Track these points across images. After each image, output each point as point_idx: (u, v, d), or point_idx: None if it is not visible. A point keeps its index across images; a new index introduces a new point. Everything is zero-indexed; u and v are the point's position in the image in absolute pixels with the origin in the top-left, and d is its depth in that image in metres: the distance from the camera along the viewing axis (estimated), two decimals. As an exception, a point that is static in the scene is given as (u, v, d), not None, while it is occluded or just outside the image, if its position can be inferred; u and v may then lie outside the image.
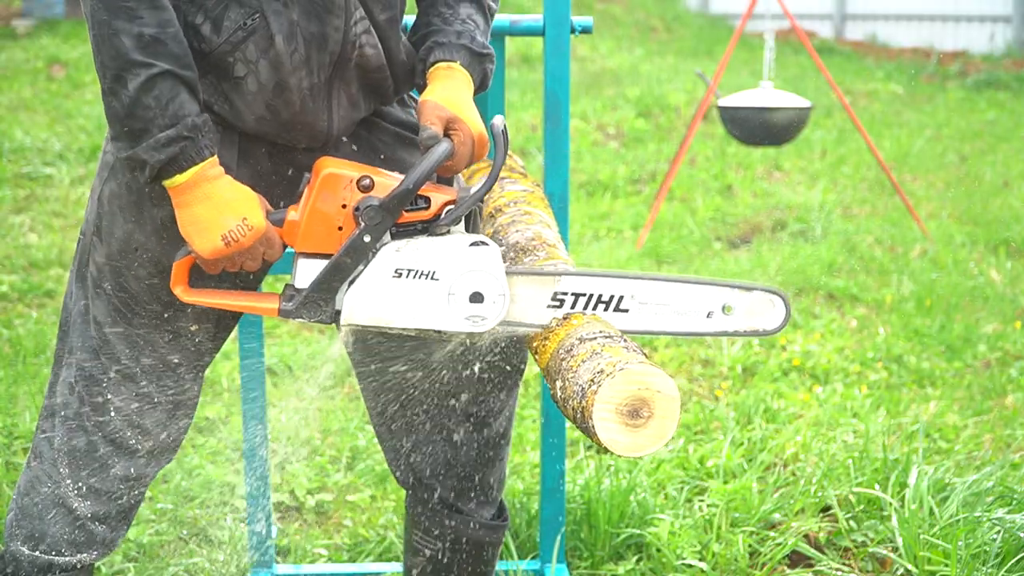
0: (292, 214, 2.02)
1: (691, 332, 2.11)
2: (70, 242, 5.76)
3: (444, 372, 2.24)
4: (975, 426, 3.94)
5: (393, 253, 1.99)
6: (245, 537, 3.02)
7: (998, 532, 2.92)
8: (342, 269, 1.99)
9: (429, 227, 2.02)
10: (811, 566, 2.99)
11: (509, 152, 2.86)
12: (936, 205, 7.30)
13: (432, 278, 2.00)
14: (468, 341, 2.14)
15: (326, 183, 2.00)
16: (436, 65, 2.10)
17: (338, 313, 2.02)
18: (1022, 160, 8.53)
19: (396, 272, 2.00)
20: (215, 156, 1.95)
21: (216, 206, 1.93)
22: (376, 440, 3.83)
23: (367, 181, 1.99)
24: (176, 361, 2.14)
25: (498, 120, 2.01)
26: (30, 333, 4.59)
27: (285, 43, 1.99)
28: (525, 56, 11.46)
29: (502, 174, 2.70)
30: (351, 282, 2.00)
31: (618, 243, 6.37)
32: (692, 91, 10.28)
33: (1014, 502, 3.10)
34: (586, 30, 2.71)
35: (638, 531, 3.06)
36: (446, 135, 2.04)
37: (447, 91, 2.07)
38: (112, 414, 2.11)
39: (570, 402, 1.86)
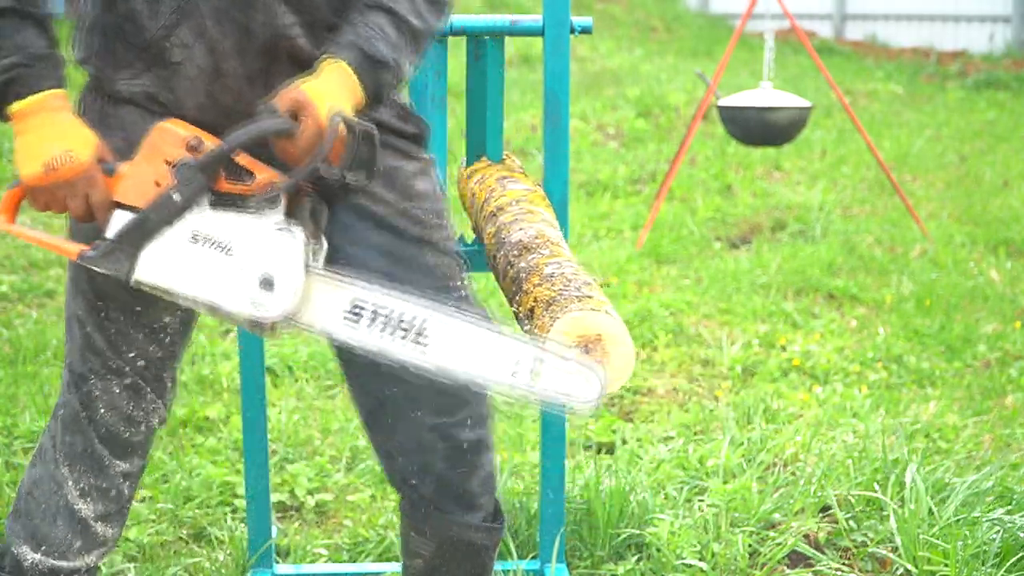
0: (123, 166, 1.99)
1: (492, 383, 1.93)
2: (70, 242, 5.75)
3: (408, 382, 2.14)
4: (975, 426, 3.94)
5: (197, 217, 1.94)
6: (245, 537, 3.02)
7: (997, 532, 2.92)
8: (147, 224, 1.95)
9: (245, 202, 1.95)
10: (811, 566, 2.99)
11: (507, 153, 2.86)
12: (936, 205, 7.30)
13: (227, 251, 1.94)
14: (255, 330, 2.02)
15: (156, 137, 1.96)
16: (323, 58, 2.02)
17: (130, 272, 1.96)
18: (1022, 160, 8.53)
19: (193, 237, 1.94)
20: (62, 91, 1.95)
21: (46, 135, 1.94)
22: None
23: (196, 142, 1.94)
24: (158, 354, 2.15)
25: (336, 119, 1.91)
26: (30, 333, 4.59)
27: (216, 27, 2.00)
28: (525, 56, 11.47)
29: (502, 173, 2.71)
30: (150, 239, 1.95)
31: (618, 243, 6.37)
32: (692, 91, 10.28)
33: (1014, 502, 3.10)
34: (586, 30, 2.71)
35: (638, 531, 3.06)
36: (295, 120, 1.93)
37: (316, 81, 1.97)
38: (103, 411, 2.13)
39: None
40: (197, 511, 3.31)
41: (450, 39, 2.72)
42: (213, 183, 1.94)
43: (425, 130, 2.16)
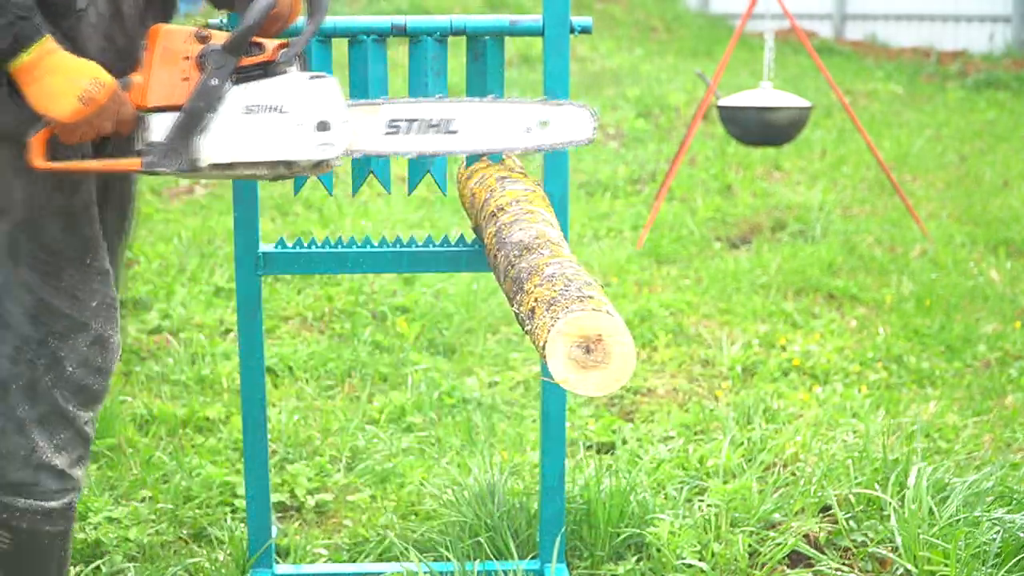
0: (136, 77, 2.14)
1: (515, 147, 2.37)
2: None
3: None
4: (975, 426, 3.94)
5: (242, 92, 2.13)
6: (245, 537, 3.02)
7: (998, 532, 2.92)
8: (196, 114, 2.12)
9: (268, 69, 2.15)
10: (811, 566, 2.99)
11: (507, 154, 2.86)
12: (936, 205, 7.30)
13: (281, 111, 2.14)
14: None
15: (165, 39, 2.13)
16: None
17: (195, 160, 2.14)
18: (1022, 160, 8.53)
19: (247, 109, 2.13)
20: (50, 34, 2.05)
21: (66, 72, 2.05)
22: (376, 438, 3.83)
23: (203, 33, 2.14)
24: (111, 295, 2.29)
25: None
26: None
27: None
28: (525, 56, 11.46)
29: (502, 173, 2.71)
30: (204, 127, 2.13)
31: (618, 243, 6.37)
32: (692, 91, 10.28)
33: (1014, 502, 3.10)
34: (586, 30, 2.71)
35: (638, 531, 3.05)
36: None
37: None
38: (70, 369, 2.23)
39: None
40: (197, 511, 3.31)
41: (450, 39, 2.72)
42: (239, 61, 2.13)
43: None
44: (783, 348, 4.72)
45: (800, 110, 6.28)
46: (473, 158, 2.83)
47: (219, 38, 2.13)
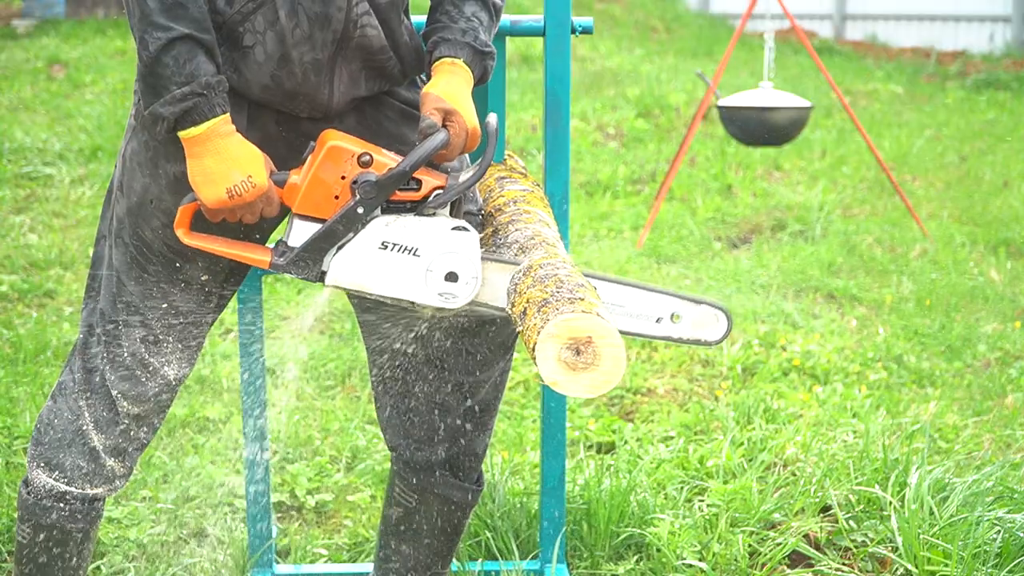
0: (294, 177, 2.19)
1: (643, 334, 2.28)
2: (70, 242, 5.75)
3: (437, 342, 2.43)
4: (975, 426, 3.94)
5: (382, 227, 2.17)
6: (245, 537, 3.02)
7: (998, 532, 2.92)
8: (334, 234, 2.16)
9: (417, 207, 2.19)
10: (811, 566, 2.99)
11: (510, 153, 2.87)
12: (936, 205, 7.30)
13: (414, 254, 2.17)
14: (439, 315, 2.31)
15: (330, 154, 2.16)
16: (441, 60, 2.27)
17: (324, 274, 2.19)
18: (1022, 160, 8.53)
19: (383, 244, 2.17)
20: (227, 115, 2.10)
21: (225, 160, 2.10)
22: (376, 438, 3.83)
23: (367, 158, 2.16)
24: (186, 309, 2.30)
25: (492, 118, 2.22)
26: (30, 333, 4.59)
27: (287, 19, 2.14)
28: (525, 56, 11.46)
29: (502, 173, 2.71)
30: (339, 247, 2.18)
31: (618, 243, 6.37)
32: (692, 91, 10.27)
33: (1014, 502, 3.10)
34: (586, 30, 2.71)
35: (638, 531, 3.06)
36: (443, 126, 2.20)
37: (448, 86, 2.23)
38: (125, 355, 2.28)
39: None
40: (197, 511, 3.31)
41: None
42: (390, 196, 2.18)
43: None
44: (783, 348, 4.72)
45: (800, 110, 6.28)
46: (474, 157, 2.83)
47: (379, 167, 2.17)
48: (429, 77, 2.30)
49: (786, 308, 5.24)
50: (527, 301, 2.07)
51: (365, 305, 2.44)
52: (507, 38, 2.74)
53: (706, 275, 5.74)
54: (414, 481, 2.53)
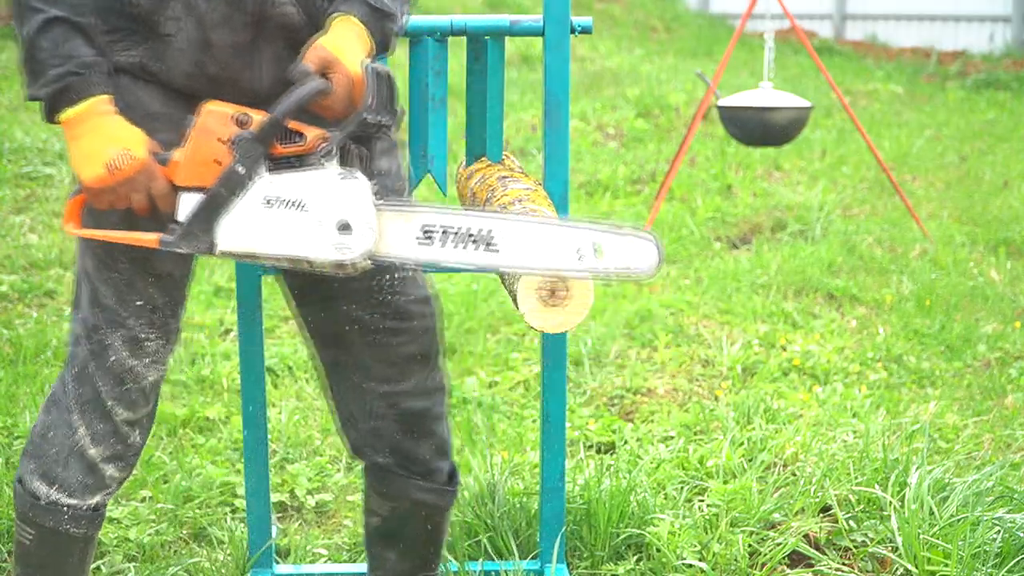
0: (176, 153, 2.12)
1: (564, 271, 2.15)
2: (70, 242, 5.75)
3: (354, 351, 2.38)
4: (975, 426, 3.94)
5: (266, 184, 2.10)
6: (245, 537, 3.02)
7: (998, 532, 2.92)
8: (218, 199, 2.10)
9: (303, 160, 2.10)
10: (811, 566, 2.99)
11: (507, 153, 2.87)
12: (936, 205, 7.30)
13: (302, 208, 2.10)
14: (340, 278, 2.23)
15: (206, 119, 2.10)
16: (333, 17, 2.19)
17: (212, 244, 2.11)
18: (1022, 160, 8.53)
19: (267, 201, 2.10)
20: (108, 96, 2.08)
21: (101, 137, 2.07)
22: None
23: (244, 117, 2.09)
24: (162, 302, 2.27)
25: (379, 66, 2.11)
26: (30, 333, 4.59)
27: (205, 2, 2.13)
28: (525, 56, 11.46)
29: (503, 173, 2.71)
30: (225, 213, 2.10)
31: (618, 243, 6.36)
32: (692, 91, 10.28)
33: (1014, 502, 3.10)
34: (586, 30, 2.71)
35: (638, 531, 3.05)
36: (326, 77, 2.11)
37: (334, 37, 2.15)
38: (112, 359, 2.25)
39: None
40: (197, 511, 3.31)
41: (450, 39, 2.72)
42: (270, 150, 2.09)
43: (399, 113, 2.22)
44: (783, 348, 4.72)
45: (800, 110, 6.28)
46: (473, 158, 2.83)
47: (257, 124, 2.10)
48: None
49: (786, 308, 5.24)
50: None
51: (301, 296, 2.39)
52: (507, 38, 2.74)
53: (706, 275, 5.74)
54: (383, 488, 2.49)
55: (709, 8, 17.27)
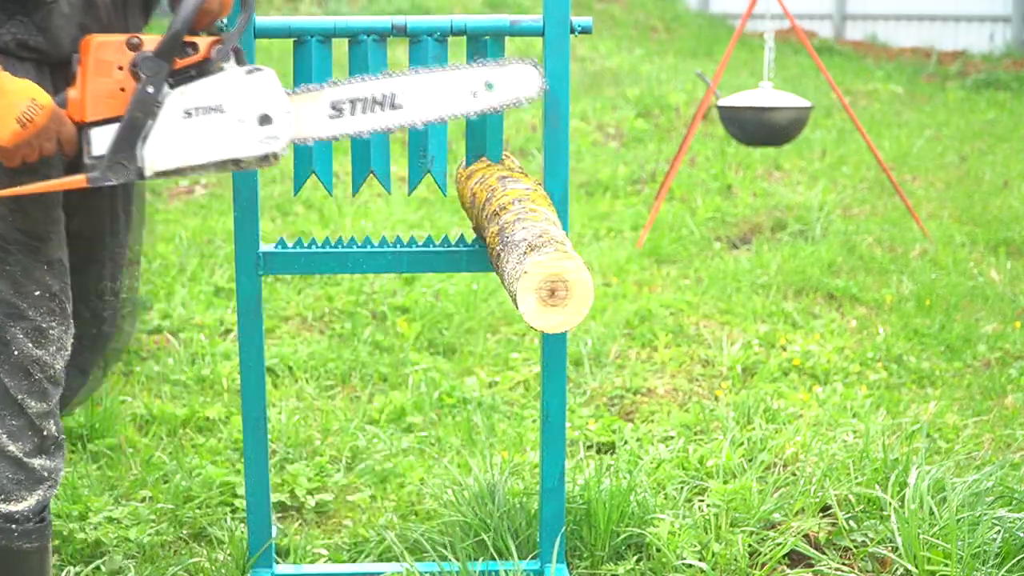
0: (72, 92, 2.14)
1: (463, 112, 2.35)
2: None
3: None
4: (975, 426, 3.94)
5: (179, 97, 2.14)
6: (245, 537, 3.02)
7: (998, 532, 2.92)
8: (136, 124, 2.13)
9: (204, 68, 2.17)
10: (811, 566, 2.99)
11: (507, 153, 2.86)
12: (936, 205, 7.30)
13: (220, 111, 2.16)
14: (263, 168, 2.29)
15: (97, 51, 2.13)
16: None
17: (141, 169, 2.15)
18: (1022, 160, 8.53)
19: (186, 113, 2.15)
20: None
21: (4, 95, 2.07)
22: (376, 438, 3.83)
23: (135, 41, 2.14)
24: (57, 288, 2.29)
25: None
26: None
27: None
28: (525, 56, 11.46)
29: (503, 172, 2.71)
30: (145, 136, 2.14)
31: (618, 243, 6.37)
32: (692, 91, 10.28)
33: (1014, 502, 3.10)
34: (586, 30, 2.71)
35: (638, 531, 3.05)
36: None
37: None
38: (16, 353, 2.25)
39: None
40: (197, 511, 3.31)
41: (450, 39, 2.72)
42: (172, 65, 2.14)
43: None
44: (783, 348, 4.72)
45: (800, 110, 6.28)
46: (472, 158, 2.83)
47: (151, 44, 2.13)
48: None
49: (786, 308, 5.24)
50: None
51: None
52: (507, 38, 2.74)
53: (706, 275, 5.74)
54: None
55: (709, 8, 17.27)
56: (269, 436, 3.44)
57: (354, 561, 3.13)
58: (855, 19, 15.68)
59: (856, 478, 3.29)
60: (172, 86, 2.15)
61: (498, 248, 2.43)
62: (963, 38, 14.18)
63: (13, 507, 2.27)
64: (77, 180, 2.16)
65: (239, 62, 2.21)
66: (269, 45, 8.54)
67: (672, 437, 3.83)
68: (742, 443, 3.67)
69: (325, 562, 3.14)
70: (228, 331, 4.78)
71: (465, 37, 2.72)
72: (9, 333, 2.24)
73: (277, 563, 3.04)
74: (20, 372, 2.26)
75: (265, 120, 2.17)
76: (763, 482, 3.38)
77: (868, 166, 8.13)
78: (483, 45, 2.72)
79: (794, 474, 3.46)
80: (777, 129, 6.30)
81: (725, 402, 4.14)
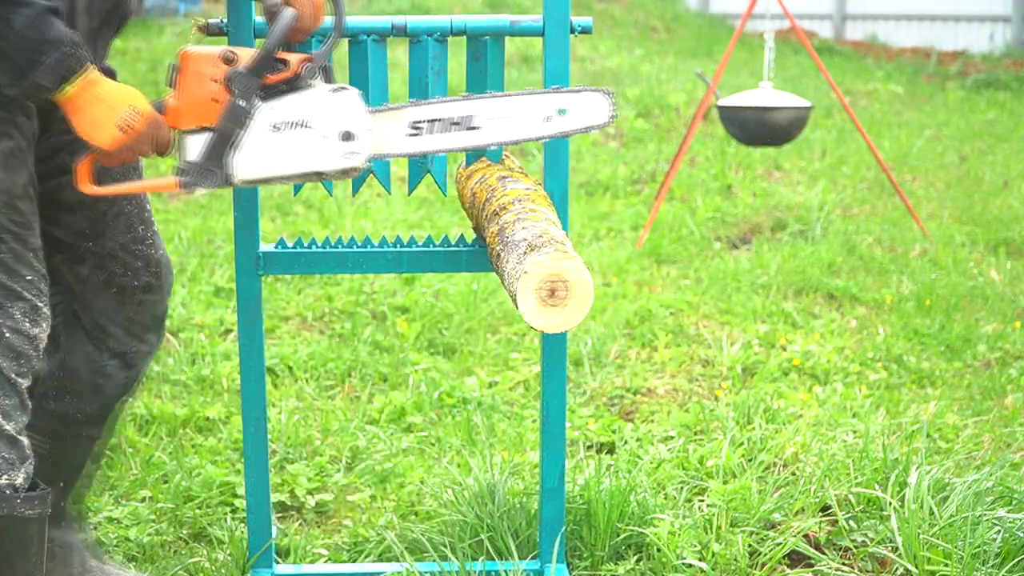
0: (170, 100, 2.30)
1: (535, 136, 2.47)
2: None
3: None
4: (975, 426, 3.94)
5: (268, 111, 2.28)
6: (245, 537, 3.02)
7: (998, 532, 2.92)
8: (226, 134, 2.28)
9: (293, 84, 2.30)
10: (811, 566, 2.99)
11: (507, 153, 2.87)
12: (936, 205, 7.30)
13: (306, 126, 2.30)
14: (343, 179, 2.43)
15: (194, 64, 2.28)
16: None
17: (229, 176, 2.30)
18: (1022, 160, 8.53)
19: (274, 127, 2.29)
20: (93, 64, 2.23)
21: (106, 102, 2.24)
22: (376, 438, 3.83)
23: (230, 55, 2.27)
24: (42, 272, 2.40)
25: None
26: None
27: None
28: (525, 56, 11.46)
29: (503, 172, 2.71)
30: (235, 146, 2.28)
31: (618, 243, 6.37)
32: (692, 91, 10.28)
33: (1014, 502, 3.10)
34: (586, 30, 2.71)
35: (638, 531, 3.05)
36: (288, 5, 2.33)
37: None
38: (8, 335, 2.35)
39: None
40: (197, 511, 3.31)
41: (450, 39, 2.72)
42: (263, 81, 2.27)
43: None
44: (783, 348, 4.72)
45: (800, 110, 6.28)
46: (472, 158, 2.83)
47: (244, 58, 2.26)
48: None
49: (786, 308, 5.24)
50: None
51: (61, 247, 2.58)
52: (507, 38, 2.74)
53: (706, 275, 5.74)
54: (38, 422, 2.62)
55: (709, 8, 17.27)
56: (269, 436, 3.44)
57: (354, 561, 3.13)
58: (855, 19, 15.68)
59: (856, 478, 3.29)
60: (263, 99, 2.28)
61: (498, 248, 2.43)
62: (963, 38, 14.18)
63: (15, 480, 2.36)
64: (168, 183, 2.32)
65: (327, 79, 2.34)
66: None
67: (672, 437, 3.83)
68: (742, 443, 3.68)
69: (325, 562, 3.14)
70: (228, 331, 4.78)
71: (465, 37, 2.72)
72: (4, 314, 2.34)
73: (277, 563, 3.04)
74: (12, 352, 2.35)
75: (347, 136, 2.30)
76: (763, 482, 3.38)
77: (868, 166, 8.13)
78: (483, 45, 2.72)
79: (794, 474, 3.46)
80: (777, 129, 6.30)
81: (725, 402, 4.14)
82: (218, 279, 5.36)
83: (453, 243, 2.83)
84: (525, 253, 2.27)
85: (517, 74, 10.66)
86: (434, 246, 2.82)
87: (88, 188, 2.33)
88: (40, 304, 2.39)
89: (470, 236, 2.86)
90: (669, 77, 11.19)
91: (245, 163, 2.29)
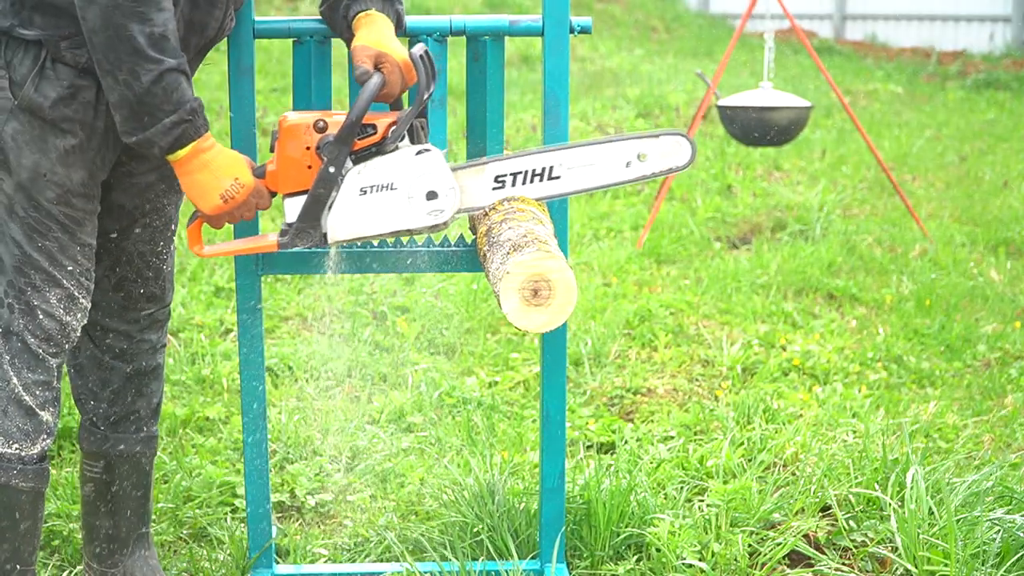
0: (270, 166, 2.45)
1: (617, 181, 2.54)
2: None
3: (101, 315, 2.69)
4: (975, 426, 3.94)
5: (356, 176, 2.42)
6: (245, 537, 3.02)
7: (997, 532, 2.92)
8: (319, 198, 2.43)
9: (380, 147, 2.42)
10: (811, 566, 2.99)
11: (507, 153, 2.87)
12: (936, 205, 7.30)
13: (392, 188, 2.43)
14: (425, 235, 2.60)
15: (288, 134, 2.43)
16: (356, 16, 2.53)
17: (325, 235, 2.45)
18: (1022, 160, 8.54)
19: (362, 191, 2.42)
20: (208, 131, 2.36)
21: (213, 171, 2.37)
22: (376, 438, 3.83)
23: (321, 124, 2.41)
24: (86, 267, 2.49)
25: (418, 47, 2.44)
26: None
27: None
28: (525, 56, 11.47)
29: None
30: (329, 208, 2.43)
31: (618, 243, 6.37)
32: (692, 91, 10.28)
33: (1013, 502, 3.10)
34: (585, 30, 2.71)
35: (638, 531, 3.06)
36: (377, 70, 2.44)
37: (371, 33, 2.48)
38: (41, 317, 2.44)
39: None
40: (197, 511, 3.31)
41: (450, 39, 2.73)
42: (352, 147, 2.40)
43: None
44: (783, 348, 4.72)
45: (800, 110, 6.28)
46: (473, 157, 2.83)
47: (334, 126, 2.39)
48: (351, 39, 2.53)
49: (786, 308, 5.24)
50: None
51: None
52: (506, 38, 2.74)
53: (706, 275, 5.74)
54: (95, 447, 2.77)
55: (709, 8, 17.27)
56: (269, 436, 3.44)
57: (354, 561, 3.13)
58: (855, 19, 15.69)
59: (856, 478, 3.29)
60: (354, 162, 2.41)
61: (485, 248, 2.45)
62: (963, 38, 14.19)
63: (11, 450, 2.44)
64: (269, 244, 2.51)
65: (413, 139, 2.45)
66: (269, 45, 8.54)
67: (672, 437, 3.83)
68: (742, 443, 3.68)
69: (325, 562, 3.14)
70: (228, 331, 4.78)
71: (465, 37, 2.73)
72: (39, 298, 2.42)
73: (277, 563, 3.04)
74: (43, 333, 2.44)
75: (432, 196, 2.43)
76: (763, 482, 3.38)
77: (868, 166, 8.13)
78: (483, 45, 2.73)
79: (794, 474, 3.46)
80: (777, 129, 6.31)
81: (725, 402, 4.14)
82: (218, 279, 5.36)
83: (453, 243, 2.83)
84: (508, 253, 2.28)
85: (517, 74, 10.66)
86: (434, 246, 2.82)
87: (198, 250, 2.49)
88: (78, 295, 2.47)
89: (470, 236, 2.86)
90: (669, 77, 11.19)
91: (337, 224, 2.44)
